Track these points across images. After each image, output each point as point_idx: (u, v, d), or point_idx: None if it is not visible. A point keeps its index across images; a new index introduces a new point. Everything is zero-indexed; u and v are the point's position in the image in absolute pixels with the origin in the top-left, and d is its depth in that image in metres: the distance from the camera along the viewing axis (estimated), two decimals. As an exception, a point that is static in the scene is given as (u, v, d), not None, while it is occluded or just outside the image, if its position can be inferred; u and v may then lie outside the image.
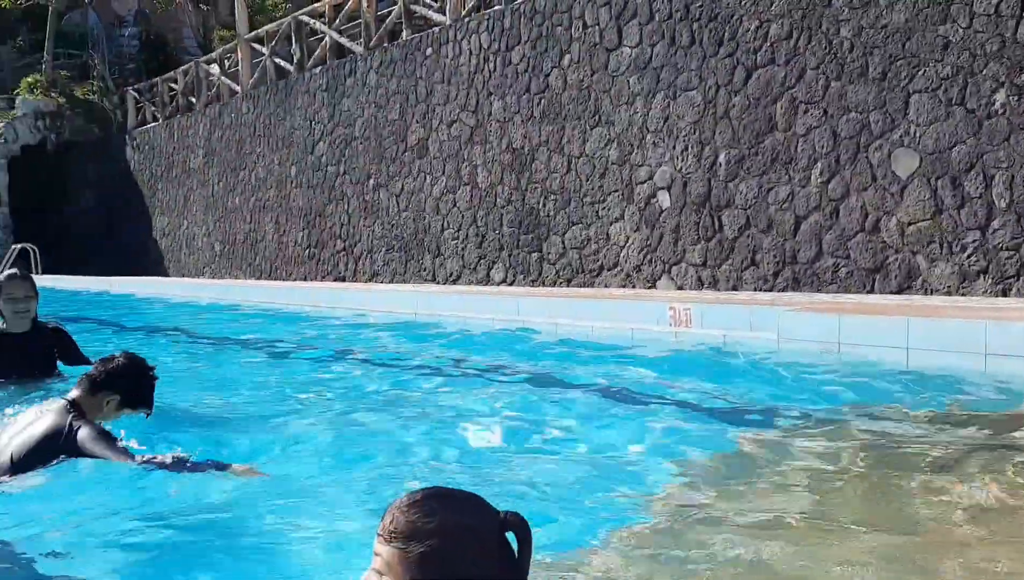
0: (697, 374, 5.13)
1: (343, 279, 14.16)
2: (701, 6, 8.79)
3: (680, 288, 8.90)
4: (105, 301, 15.11)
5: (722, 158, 8.58)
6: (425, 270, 12.53)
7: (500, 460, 3.51)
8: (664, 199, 9.15)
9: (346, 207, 14.28)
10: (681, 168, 8.98)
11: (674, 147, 9.05)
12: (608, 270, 9.77)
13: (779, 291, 7.99)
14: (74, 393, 3.40)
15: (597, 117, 9.90)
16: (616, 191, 9.68)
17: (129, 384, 3.45)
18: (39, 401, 3.57)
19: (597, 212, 9.90)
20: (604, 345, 6.41)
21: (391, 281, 13.09)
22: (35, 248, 22.78)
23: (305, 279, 15.08)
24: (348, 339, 8.28)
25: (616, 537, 2.53)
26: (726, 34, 8.58)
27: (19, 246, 23.02)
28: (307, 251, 15.33)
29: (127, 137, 22.71)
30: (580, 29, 10.12)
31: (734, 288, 8.44)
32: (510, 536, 1.43)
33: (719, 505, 2.77)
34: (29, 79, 25.72)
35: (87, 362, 4.80)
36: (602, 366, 5.59)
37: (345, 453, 3.63)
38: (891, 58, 7.29)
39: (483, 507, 1.45)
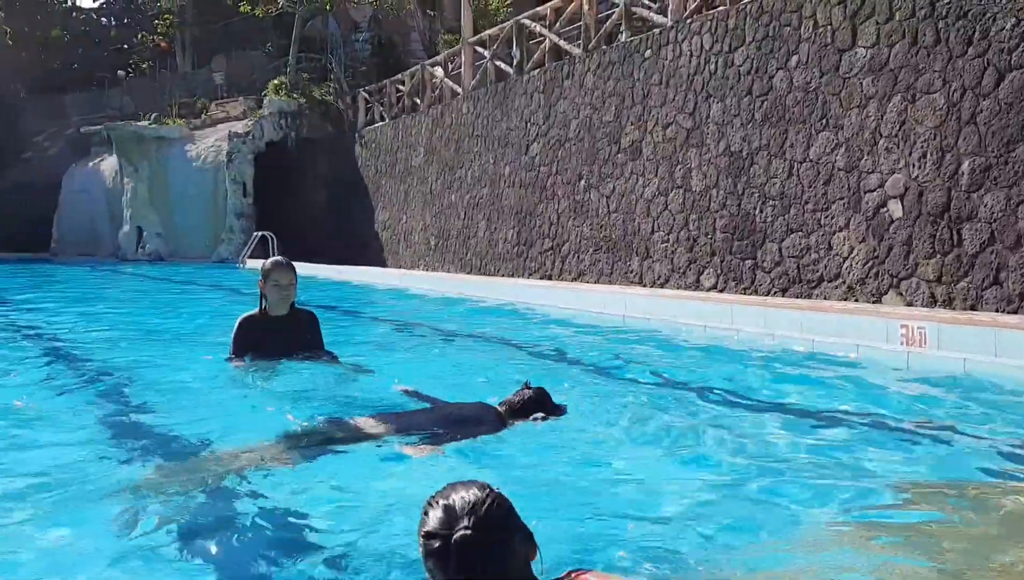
0: (933, 401, 4.74)
1: (549, 277, 14.41)
2: (949, 3, 8.14)
3: (909, 304, 8.29)
4: (332, 287, 16.27)
5: (965, 167, 7.90)
6: (632, 272, 12.48)
7: (719, 484, 3.41)
8: (895, 209, 8.56)
9: (556, 206, 14.51)
10: (917, 176, 8.36)
11: (910, 154, 8.45)
12: (828, 281, 9.29)
13: (1027, 314, 7.25)
14: (500, 407, 4.04)
15: (824, 121, 9.43)
16: (841, 198, 9.18)
17: (534, 413, 4.00)
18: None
19: (819, 220, 9.44)
20: (827, 361, 6.08)
21: (596, 281, 13.16)
22: (273, 235, 24.97)
23: (512, 275, 15.48)
24: (572, 340, 8.37)
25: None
26: (976, 33, 7.89)
27: (260, 233, 25.34)
28: (516, 248, 15.72)
29: (356, 135, 24.32)
30: (810, 29, 9.68)
31: (972, 307, 7.75)
32: None
33: (947, 556, 2.55)
34: (275, 81, 28.20)
35: (322, 348, 5.37)
36: (822, 386, 5.30)
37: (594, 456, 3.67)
38: None
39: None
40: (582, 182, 13.81)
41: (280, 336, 5.15)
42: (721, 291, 10.69)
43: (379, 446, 3.64)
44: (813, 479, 3.26)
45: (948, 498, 3.04)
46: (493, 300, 12.09)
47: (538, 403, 4.03)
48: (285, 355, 5.13)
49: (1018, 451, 3.71)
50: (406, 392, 4.72)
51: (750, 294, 10.20)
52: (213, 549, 2.63)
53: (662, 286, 11.75)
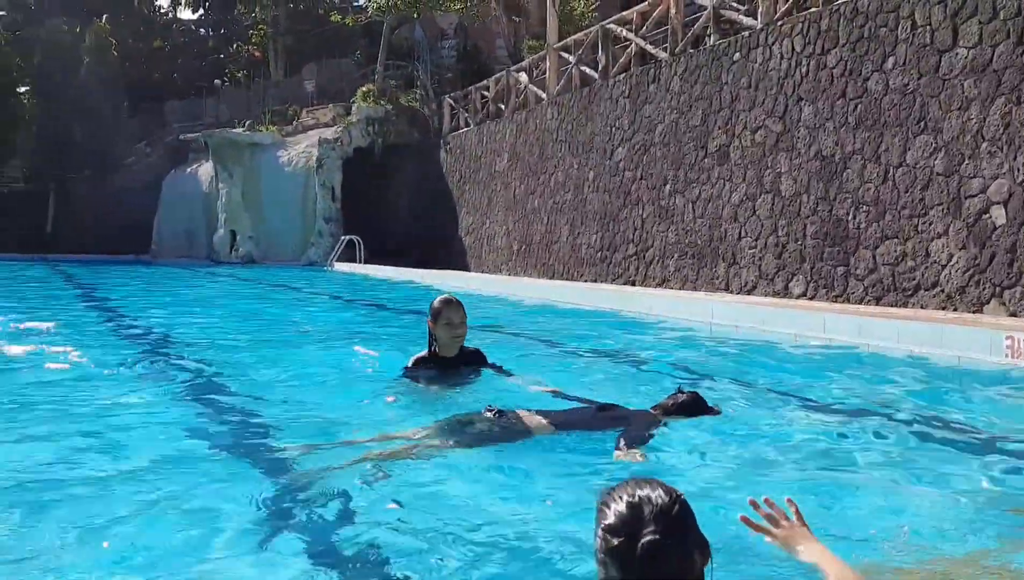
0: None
1: (633, 283, 14.32)
2: (1059, -1, 7.79)
3: (1013, 315, 7.95)
4: (415, 289, 16.53)
5: (1076, 171, 7.54)
6: (718, 278, 12.30)
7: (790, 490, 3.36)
8: (999, 215, 8.23)
9: (640, 212, 14.42)
10: (1022, 181, 8.01)
11: (1015, 158, 8.10)
12: (925, 290, 8.98)
13: None
14: (654, 411, 4.06)
15: (922, 124, 9.13)
16: (940, 204, 8.87)
17: (689, 416, 4.04)
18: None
19: (916, 226, 9.14)
20: (928, 371, 5.87)
21: (681, 287, 13.02)
22: (360, 239, 25.54)
23: (595, 281, 15.44)
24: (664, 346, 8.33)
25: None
26: (1090, 30, 7.53)
27: (348, 237, 25.94)
28: (599, 254, 15.69)
29: (442, 141, 24.66)
30: (908, 30, 9.39)
31: (1083, 319, 7.39)
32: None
33: None
34: (364, 88, 28.83)
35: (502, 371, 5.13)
36: (923, 398, 5.13)
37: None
38: None
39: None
40: (667, 187, 13.69)
41: (453, 376, 4.87)
42: (811, 299, 10.45)
43: (535, 441, 3.72)
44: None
45: None
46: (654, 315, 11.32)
47: (693, 406, 4.03)
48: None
49: None
50: (551, 393, 4.75)
51: (842, 302, 9.94)
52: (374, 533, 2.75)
53: (749, 293, 11.55)
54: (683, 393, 4.10)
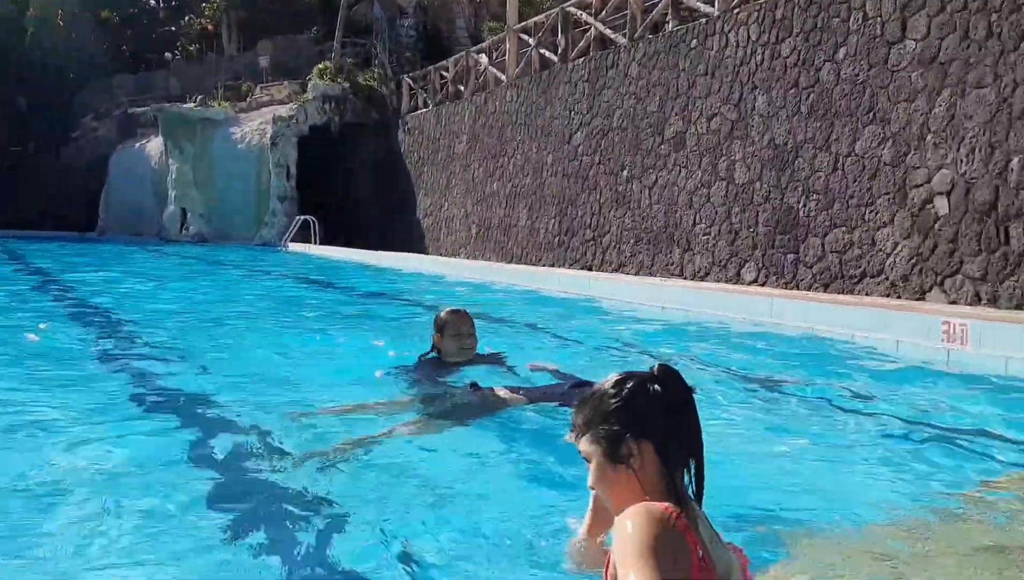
0: (971, 400, 4.74)
1: (590, 268, 14.46)
2: (1004, -4, 8.02)
3: (953, 302, 8.23)
4: (372, 272, 16.49)
5: (1015, 163, 7.80)
6: (672, 264, 12.49)
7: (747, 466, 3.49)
8: (942, 205, 8.49)
9: (598, 197, 14.54)
10: (965, 172, 8.28)
11: (958, 149, 8.36)
12: (871, 277, 9.24)
13: (1075, 315, 7.16)
14: None
15: (871, 114, 9.36)
16: (887, 194, 9.11)
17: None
18: None
19: (863, 215, 9.38)
20: (865, 356, 6.08)
21: (637, 273, 13.18)
22: (315, 220, 25.31)
23: (553, 265, 15.55)
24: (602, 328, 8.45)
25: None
26: (1032, 27, 7.77)
27: (303, 217, 25.69)
28: (556, 238, 15.79)
29: (400, 121, 24.51)
30: (859, 20, 9.59)
31: (1018, 307, 7.67)
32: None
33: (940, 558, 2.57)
34: (320, 65, 28.47)
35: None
36: (860, 379, 5.32)
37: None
38: None
39: (631, 378, 1.98)
40: (624, 173, 13.82)
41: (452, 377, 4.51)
42: (762, 285, 10.68)
43: (508, 414, 3.81)
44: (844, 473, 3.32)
45: (968, 501, 3.05)
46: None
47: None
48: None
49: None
50: (537, 368, 4.79)
51: (791, 289, 10.17)
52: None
53: (702, 279, 11.75)
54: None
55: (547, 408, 3.92)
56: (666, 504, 1.68)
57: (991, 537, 2.58)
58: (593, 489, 1.98)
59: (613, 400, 1.94)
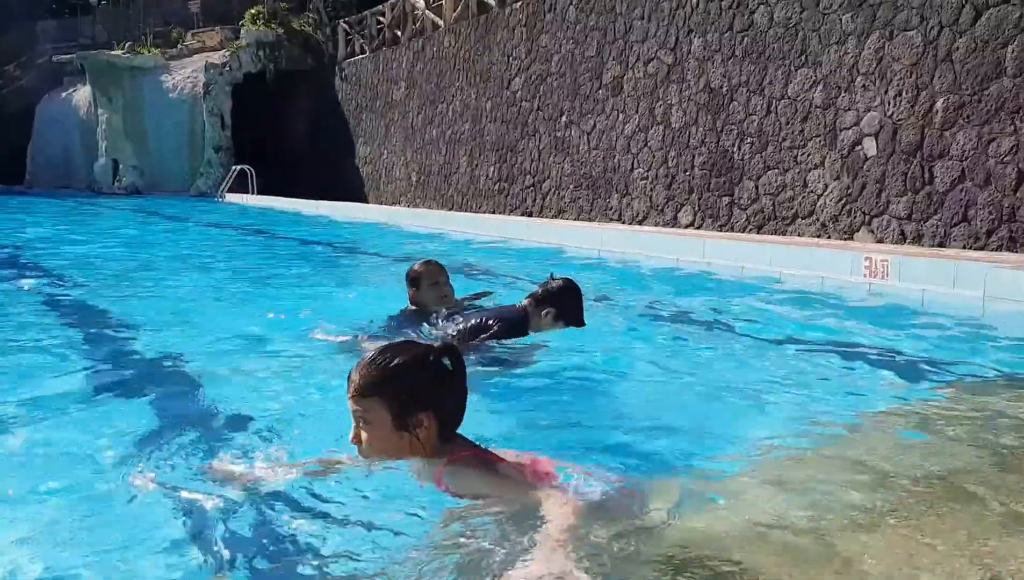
0: (888, 328, 4.91)
1: (530, 214, 14.46)
2: (931, -62, 8.12)
3: (880, 241, 8.46)
4: (311, 221, 16.25)
5: (939, 104, 7.99)
6: (611, 209, 12.56)
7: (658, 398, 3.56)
8: (870, 146, 8.67)
9: (537, 143, 14.49)
10: (892, 114, 8.45)
11: (886, 91, 8.52)
12: (803, 218, 9.43)
13: (992, 250, 7.43)
14: (523, 303, 3.99)
15: (803, 57, 9.46)
16: (818, 136, 9.26)
17: (564, 301, 3.98)
18: None
19: (795, 157, 9.53)
20: (791, 292, 6.24)
21: (576, 218, 13.24)
22: (252, 169, 24.78)
23: (493, 212, 15.51)
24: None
25: (766, 473, 2.55)
26: (957, -31, 7.90)
27: (239, 167, 25.12)
28: (497, 185, 15.73)
29: (337, 68, 23.98)
30: (792, -37, 9.63)
31: (940, 245, 7.93)
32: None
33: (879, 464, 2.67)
34: (253, 11, 27.59)
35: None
36: (786, 313, 5.47)
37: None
38: None
39: (414, 346, 2.15)
40: (563, 118, 13.78)
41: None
42: (698, 228, 10.82)
43: None
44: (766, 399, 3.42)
45: (893, 424, 3.17)
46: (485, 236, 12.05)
47: (566, 292, 3.96)
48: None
49: (946, 371, 3.86)
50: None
51: (726, 231, 10.33)
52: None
53: (640, 223, 11.86)
54: (555, 279, 4.02)
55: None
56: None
57: (880, 463, 2.65)
58: (356, 443, 2.10)
59: (408, 369, 2.05)
